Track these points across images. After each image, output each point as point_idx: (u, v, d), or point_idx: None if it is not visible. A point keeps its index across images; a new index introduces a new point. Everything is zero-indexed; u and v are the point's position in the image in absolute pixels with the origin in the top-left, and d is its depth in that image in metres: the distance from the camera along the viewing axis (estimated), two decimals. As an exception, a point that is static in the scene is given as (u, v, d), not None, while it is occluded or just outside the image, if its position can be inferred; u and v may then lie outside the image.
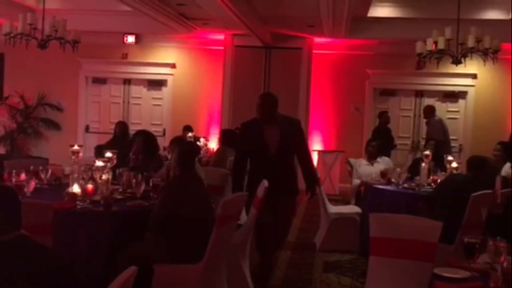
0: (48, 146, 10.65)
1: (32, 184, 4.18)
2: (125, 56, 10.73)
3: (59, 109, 10.71)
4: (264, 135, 4.62)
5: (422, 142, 9.36)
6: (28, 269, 1.91)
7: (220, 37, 10.16)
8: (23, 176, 4.24)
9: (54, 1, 8.04)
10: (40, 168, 4.67)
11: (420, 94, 10.46)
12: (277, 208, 4.48)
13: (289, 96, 10.15)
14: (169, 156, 5.24)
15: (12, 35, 6.85)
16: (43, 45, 7.05)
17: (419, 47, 6.53)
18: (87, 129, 10.93)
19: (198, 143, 8.32)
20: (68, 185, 4.19)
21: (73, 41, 7.12)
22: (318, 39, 10.02)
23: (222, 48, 10.26)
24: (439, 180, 5.36)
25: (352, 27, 8.64)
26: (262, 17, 8.72)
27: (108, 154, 4.71)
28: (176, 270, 3.42)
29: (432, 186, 5.40)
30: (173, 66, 10.71)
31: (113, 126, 8.94)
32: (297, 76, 10.15)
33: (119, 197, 4.17)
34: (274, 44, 10.03)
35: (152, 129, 8.94)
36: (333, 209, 6.08)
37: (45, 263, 1.96)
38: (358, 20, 8.60)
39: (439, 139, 7.67)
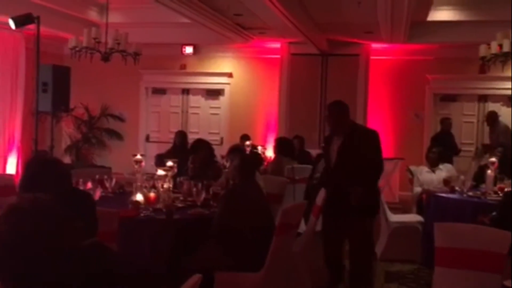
0: (110, 155, 11.01)
1: (98, 192, 4.32)
2: (183, 66, 10.96)
3: (121, 119, 11.05)
4: (330, 148, 4.38)
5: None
6: (105, 276, 1.94)
7: (276, 45, 10.20)
8: (89, 185, 4.40)
9: (117, 15, 8.31)
10: (105, 177, 4.83)
11: (483, 99, 10.10)
12: (344, 228, 4.26)
13: (347, 103, 10.07)
14: (227, 165, 5.31)
15: (77, 49, 7.13)
16: (106, 58, 7.30)
17: (482, 51, 6.31)
18: (147, 138, 11.21)
19: (254, 151, 8.36)
20: (131, 193, 4.31)
21: (134, 53, 7.33)
22: (375, 45, 9.88)
23: (278, 56, 10.30)
24: (506, 189, 5.14)
25: (411, 32, 8.47)
26: (319, 25, 8.69)
27: (169, 163, 4.81)
28: (237, 278, 3.44)
29: (498, 194, 5.19)
30: (230, 75, 10.84)
31: (172, 136, 9.16)
32: (354, 83, 10.04)
33: (180, 205, 4.25)
34: (330, 51, 9.97)
35: (209, 138, 9.06)
36: (394, 217, 5.96)
37: (120, 270, 1.97)
38: (418, 25, 8.42)
39: (508, 145, 7.34)
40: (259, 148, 8.78)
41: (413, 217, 6.15)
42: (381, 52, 10.07)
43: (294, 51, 10.08)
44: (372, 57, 10.09)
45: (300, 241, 4.23)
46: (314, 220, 4.29)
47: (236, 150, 5.06)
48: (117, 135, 11.06)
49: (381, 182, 7.82)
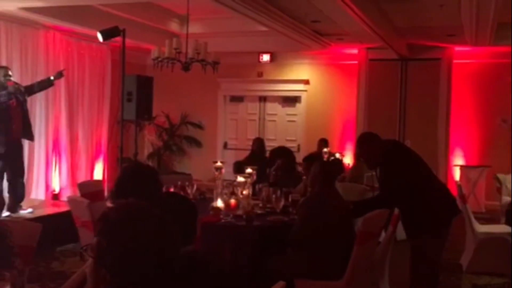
0: (190, 162, 11.30)
1: (180, 198, 4.43)
2: (260, 74, 11.07)
3: (200, 127, 11.32)
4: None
5: None
6: (200, 285, 1.91)
7: (354, 51, 10.08)
8: (172, 191, 4.53)
9: (196, 26, 8.54)
10: (186, 183, 4.95)
11: None
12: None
13: (428, 109, 9.77)
14: (303, 172, 5.30)
15: (159, 59, 7.38)
16: (186, 67, 7.51)
17: None
18: (225, 145, 11.40)
19: (335, 158, 8.28)
20: (212, 199, 4.39)
21: (213, 62, 7.49)
22: (458, 48, 9.51)
23: (355, 62, 10.16)
24: None
25: (497, 34, 8.07)
26: (398, 29, 8.50)
27: (249, 170, 4.86)
28: (317, 286, 3.41)
29: None
30: (306, 82, 10.82)
31: (249, 143, 9.26)
32: (435, 88, 9.72)
33: (259, 212, 4.29)
34: (410, 55, 9.71)
35: (287, 145, 9.08)
36: (481, 228, 5.68)
37: (214, 279, 1.95)
38: (504, 26, 8.01)
39: None
40: (337, 155, 8.68)
41: (501, 228, 5.84)
42: (464, 56, 9.68)
43: (372, 57, 9.91)
44: (455, 61, 9.72)
45: (379, 250, 4.13)
46: (392, 230, 4.18)
47: (310, 159, 5.05)
48: (196, 143, 11.34)
49: (465, 190, 7.52)
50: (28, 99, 7.10)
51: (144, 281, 1.42)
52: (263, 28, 8.14)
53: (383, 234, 4.46)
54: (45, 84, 7.05)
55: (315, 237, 3.45)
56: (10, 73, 6.62)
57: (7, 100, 6.34)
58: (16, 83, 6.69)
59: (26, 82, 8.21)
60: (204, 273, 1.94)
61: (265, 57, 10.77)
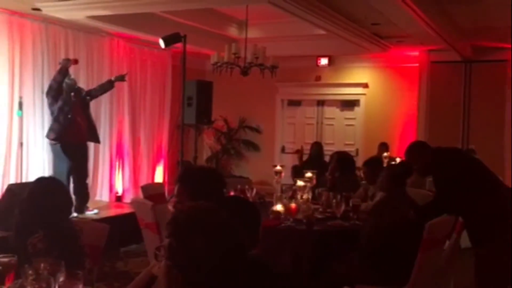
0: (247, 166, 11.37)
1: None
2: (318, 78, 11.01)
3: (258, 131, 11.37)
4: None
5: None
6: None
7: (415, 53, 9.85)
8: (232, 194, 4.57)
9: (255, 31, 8.60)
10: (246, 187, 4.99)
11: None
12: None
13: (493, 113, 9.41)
14: (363, 177, 5.22)
15: (219, 64, 7.49)
16: (245, 72, 7.59)
17: None
18: (283, 149, 11.40)
19: (393, 163, 8.11)
20: (271, 203, 4.40)
21: (271, 66, 7.52)
22: (526, 49, 9.12)
23: (416, 65, 9.94)
24: None
25: None
26: (462, 30, 8.24)
27: (308, 174, 4.84)
28: (380, 293, 3.35)
29: None
30: (365, 85, 10.67)
31: (307, 147, 9.25)
32: (501, 91, 9.34)
33: (319, 216, 4.26)
34: (474, 57, 9.39)
35: (345, 149, 9.01)
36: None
37: (277, 285, 1.93)
38: None
39: None
40: (397, 159, 8.50)
41: None
42: (532, 57, 9.27)
43: (434, 59, 9.66)
44: (522, 63, 9.32)
45: (444, 257, 4.01)
46: (456, 237, 4.04)
47: (371, 163, 4.97)
48: (254, 146, 11.40)
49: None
50: (93, 104, 7.39)
51: (212, 283, 1.44)
52: (322, 32, 8.09)
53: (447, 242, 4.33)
54: (106, 86, 7.27)
55: (382, 243, 3.39)
56: (72, 76, 6.87)
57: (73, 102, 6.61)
58: (78, 87, 6.96)
59: (92, 88, 8.54)
60: (268, 278, 1.94)
61: (323, 61, 10.70)
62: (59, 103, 6.52)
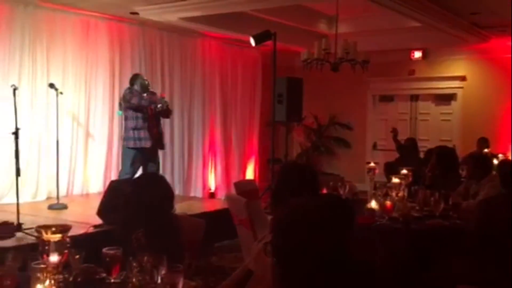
0: (338, 163, 11.23)
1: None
2: (412, 72, 10.64)
3: (348, 127, 11.20)
4: None
5: None
6: None
7: (518, 43, 9.25)
8: (325, 191, 4.52)
9: (345, 25, 8.46)
10: (339, 184, 4.91)
11: None
12: None
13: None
14: (462, 173, 4.95)
15: (309, 61, 7.44)
16: (335, 68, 7.48)
17: None
18: (374, 146, 11.14)
19: (495, 160, 7.66)
20: (364, 201, 4.31)
21: (363, 61, 7.36)
22: None
23: (520, 55, 9.33)
24: None
25: None
26: None
27: (404, 171, 4.69)
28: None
29: None
30: (463, 78, 10.17)
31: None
32: None
33: (416, 215, 4.10)
34: None
35: (441, 145, 8.63)
36: None
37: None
38: None
39: None
40: (500, 156, 8.03)
41: None
42: None
43: (541, 48, 9.01)
44: None
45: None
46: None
47: (477, 157, 4.71)
48: (345, 143, 11.24)
49: None
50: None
51: (314, 281, 1.42)
52: (415, 24, 7.81)
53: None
54: (164, 114, 6.89)
55: (492, 244, 3.20)
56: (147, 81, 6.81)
57: (147, 105, 6.53)
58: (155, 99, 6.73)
59: (185, 88, 8.81)
60: (369, 277, 1.90)
61: (417, 54, 10.32)
62: (138, 114, 6.49)
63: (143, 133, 6.48)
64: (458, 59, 10.20)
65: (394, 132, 8.81)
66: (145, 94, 6.59)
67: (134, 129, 6.47)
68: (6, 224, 4.94)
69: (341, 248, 1.46)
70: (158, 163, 6.86)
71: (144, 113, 6.50)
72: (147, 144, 6.47)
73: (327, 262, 1.41)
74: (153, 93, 6.83)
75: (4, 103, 6.24)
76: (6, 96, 5.97)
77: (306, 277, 1.41)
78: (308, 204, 1.52)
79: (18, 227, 4.91)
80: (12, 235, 4.80)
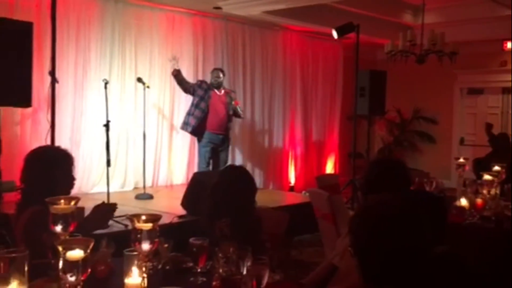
0: (422, 158, 10.85)
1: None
2: (504, 63, 10.05)
3: (433, 122, 10.79)
4: None
5: None
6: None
7: None
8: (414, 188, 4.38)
9: (431, 16, 8.15)
10: (425, 180, 4.74)
11: None
12: None
13: None
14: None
15: (393, 53, 7.25)
16: (421, 60, 7.24)
17: None
18: (461, 141, 10.67)
19: None
20: (452, 198, 4.13)
21: (451, 53, 7.08)
22: None
23: None
24: None
25: None
26: None
27: (496, 168, 4.45)
28: None
29: None
30: (559, 70, 9.50)
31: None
32: None
33: (510, 214, 3.88)
34: None
35: (535, 141, 8.12)
36: None
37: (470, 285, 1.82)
38: None
39: None
40: None
41: None
42: None
43: None
44: None
45: None
46: None
47: None
48: (429, 138, 10.84)
49: None
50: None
51: (395, 279, 1.40)
52: (508, 12, 7.37)
53: None
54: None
55: None
56: (221, 76, 7.05)
57: (203, 94, 6.83)
58: (226, 91, 7.07)
59: (266, 82, 8.85)
60: (458, 277, 1.82)
61: (510, 45, 9.74)
62: (195, 99, 6.86)
63: (192, 120, 6.86)
64: (555, 50, 9.53)
65: (489, 126, 8.42)
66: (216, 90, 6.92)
67: (188, 114, 6.94)
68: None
69: (424, 245, 1.42)
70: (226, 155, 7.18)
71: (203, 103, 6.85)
72: (188, 129, 6.92)
73: (409, 259, 1.38)
74: (229, 92, 7.10)
75: (97, 96, 6.56)
76: (98, 90, 6.29)
77: (388, 275, 1.39)
78: (389, 202, 1.49)
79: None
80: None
